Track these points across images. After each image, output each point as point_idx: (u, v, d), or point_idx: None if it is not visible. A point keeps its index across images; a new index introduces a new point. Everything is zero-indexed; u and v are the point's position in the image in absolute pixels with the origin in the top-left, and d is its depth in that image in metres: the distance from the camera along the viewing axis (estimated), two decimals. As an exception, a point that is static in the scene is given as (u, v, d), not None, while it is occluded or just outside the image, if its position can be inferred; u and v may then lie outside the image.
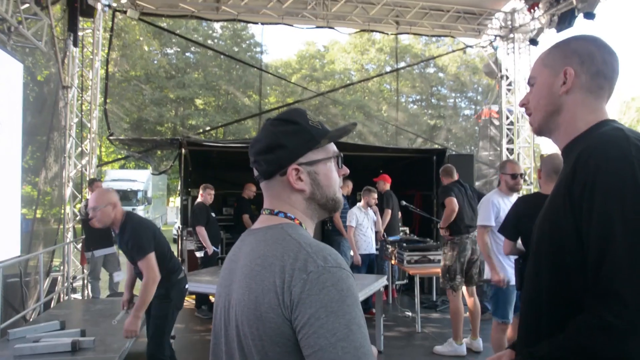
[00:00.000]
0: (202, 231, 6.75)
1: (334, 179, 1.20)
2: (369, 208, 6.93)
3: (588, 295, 1.12)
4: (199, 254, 6.97)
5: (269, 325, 0.97)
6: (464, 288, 5.38)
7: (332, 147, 1.21)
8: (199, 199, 7.04)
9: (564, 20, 7.85)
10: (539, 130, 1.40)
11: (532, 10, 8.72)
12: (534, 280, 1.31)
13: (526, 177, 9.52)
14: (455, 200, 5.23)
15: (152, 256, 3.54)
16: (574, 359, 1.10)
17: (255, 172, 1.20)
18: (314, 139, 1.16)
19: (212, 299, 6.40)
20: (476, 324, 5.37)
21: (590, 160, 1.15)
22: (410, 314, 6.86)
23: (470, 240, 5.31)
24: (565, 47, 1.32)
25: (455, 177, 5.60)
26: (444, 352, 5.25)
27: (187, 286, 4.06)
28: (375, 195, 6.94)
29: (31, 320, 5.49)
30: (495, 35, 9.77)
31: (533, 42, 9.02)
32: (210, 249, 6.78)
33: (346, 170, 1.24)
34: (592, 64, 1.28)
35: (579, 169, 1.16)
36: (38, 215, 7.11)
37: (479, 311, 5.43)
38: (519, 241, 3.57)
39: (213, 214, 7.17)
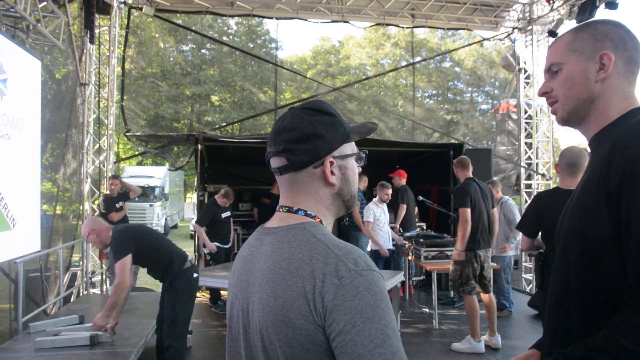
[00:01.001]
0: (200, 230, 6.92)
1: (357, 175, 1.17)
2: (384, 203, 6.89)
3: (629, 292, 1.05)
4: (205, 250, 7.08)
5: (299, 332, 0.93)
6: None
7: (354, 144, 1.18)
8: (216, 197, 7.06)
9: (585, 10, 7.67)
10: (567, 120, 1.30)
11: (550, 1, 8.57)
12: (562, 278, 1.24)
13: (545, 172, 9.40)
14: (469, 212, 4.97)
15: (123, 261, 3.68)
16: None
17: (279, 163, 1.11)
18: (346, 132, 1.13)
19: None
20: (493, 319, 5.29)
21: (628, 150, 1.08)
22: (427, 310, 6.81)
23: (483, 251, 5.14)
24: (594, 31, 1.24)
25: (471, 171, 5.32)
26: (462, 349, 5.19)
27: (195, 275, 4.10)
28: (389, 191, 6.87)
29: (52, 314, 5.57)
30: (513, 28, 9.63)
31: (552, 33, 8.84)
32: (211, 246, 6.87)
33: (361, 167, 1.21)
34: (625, 49, 1.22)
35: (616, 159, 1.09)
36: (58, 212, 7.21)
37: (494, 307, 5.34)
38: (539, 237, 3.51)
39: (227, 213, 7.18)
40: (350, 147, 1.15)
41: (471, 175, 5.28)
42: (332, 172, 1.10)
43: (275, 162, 1.13)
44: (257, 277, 1.05)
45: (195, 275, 4.10)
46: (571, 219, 1.24)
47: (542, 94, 1.35)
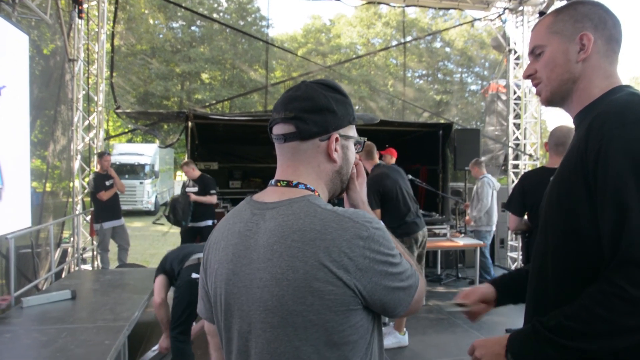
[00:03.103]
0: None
1: (354, 159, 1.22)
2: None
3: (605, 264, 1.09)
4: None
5: (328, 297, 0.98)
6: None
7: (355, 130, 1.22)
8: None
9: (575, -8, 7.68)
10: (551, 100, 1.34)
11: (542, -18, 8.56)
12: (543, 250, 1.29)
13: (532, 153, 9.50)
14: (378, 213, 4.59)
15: (156, 280, 4.05)
16: (589, 329, 1.07)
17: (286, 130, 1.12)
18: (353, 114, 1.17)
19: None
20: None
21: (604, 126, 1.11)
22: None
23: (421, 233, 4.80)
24: (573, 12, 1.27)
25: (377, 159, 4.91)
26: (387, 344, 4.67)
27: (194, 275, 3.87)
28: None
29: (43, 289, 5.61)
30: (504, 8, 9.61)
31: (542, 14, 8.84)
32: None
33: (357, 157, 1.25)
34: (605, 28, 1.25)
35: (593, 135, 1.13)
36: (48, 189, 7.18)
37: None
38: (525, 217, 3.60)
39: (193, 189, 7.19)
40: (353, 131, 1.19)
41: (378, 161, 4.94)
42: (335, 149, 1.13)
43: (280, 129, 1.13)
44: (263, 253, 1.05)
45: (193, 275, 3.87)
46: (551, 194, 1.28)
47: (526, 76, 1.38)
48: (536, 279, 1.32)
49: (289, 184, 1.11)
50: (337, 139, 1.12)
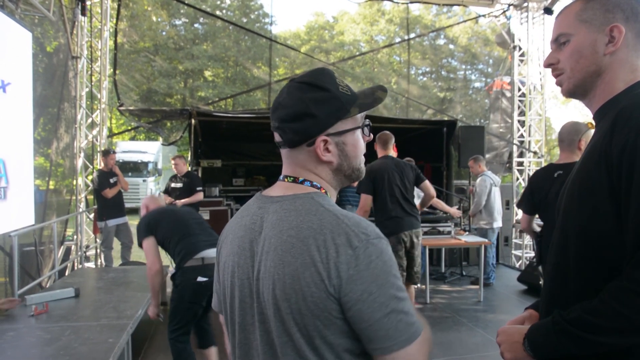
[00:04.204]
0: None
1: (361, 148, 1.14)
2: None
3: (626, 261, 1.07)
4: None
5: (310, 300, 0.95)
6: None
7: (361, 114, 1.14)
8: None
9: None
10: (572, 92, 1.28)
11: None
12: (562, 244, 1.25)
13: (537, 150, 9.45)
14: (368, 199, 4.52)
15: (144, 244, 3.62)
16: (607, 324, 1.06)
17: (277, 138, 1.11)
18: (344, 107, 1.07)
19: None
20: None
21: (631, 120, 1.07)
22: (419, 285, 6.91)
23: (407, 233, 4.66)
24: (605, 1, 1.21)
25: (390, 150, 4.82)
26: None
27: (200, 279, 3.51)
28: None
29: (47, 287, 5.61)
30: (509, 4, 9.56)
31: (548, 11, 8.80)
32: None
33: (370, 137, 1.17)
34: (636, 21, 1.20)
35: (619, 128, 1.08)
36: (51, 186, 7.20)
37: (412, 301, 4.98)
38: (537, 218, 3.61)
39: (178, 184, 7.28)
40: (352, 121, 1.10)
41: (390, 154, 4.82)
42: (327, 150, 1.08)
43: (275, 137, 1.13)
44: (263, 245, 1.04)
45: (199, 279, 3.50)
46: (572, 188, 1.24)
47: (547, 65, 1.32)
48: (554, 273, 1.29)
49: (295, 180, 1.11)
50: (325, 141, 1.07)
